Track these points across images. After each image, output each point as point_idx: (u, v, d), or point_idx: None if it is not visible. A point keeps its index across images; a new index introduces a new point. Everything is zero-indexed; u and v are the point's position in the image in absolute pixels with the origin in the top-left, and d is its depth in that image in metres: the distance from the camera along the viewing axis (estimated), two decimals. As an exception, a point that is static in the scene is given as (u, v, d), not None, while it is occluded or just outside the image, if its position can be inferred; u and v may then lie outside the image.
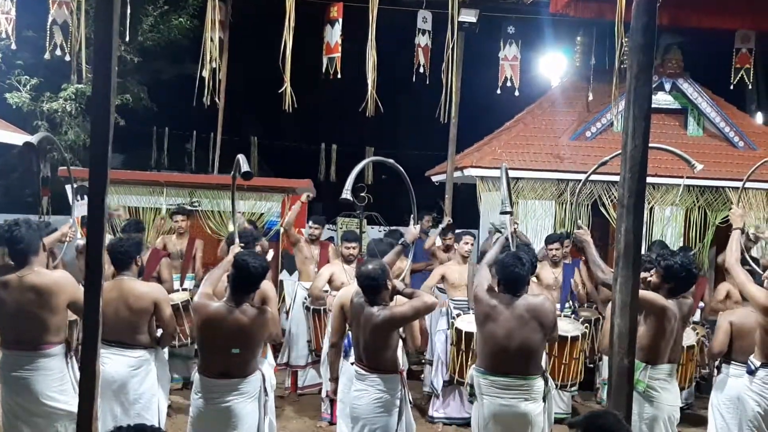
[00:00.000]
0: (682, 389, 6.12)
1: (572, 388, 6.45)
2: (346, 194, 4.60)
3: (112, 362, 4.42)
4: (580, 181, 8.80)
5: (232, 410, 4.00)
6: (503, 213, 4.73)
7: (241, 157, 4.44)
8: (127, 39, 9.84)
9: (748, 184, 8.85)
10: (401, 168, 4.84)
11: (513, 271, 4.20)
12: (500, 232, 4.46)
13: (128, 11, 8.92)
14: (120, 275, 4.59)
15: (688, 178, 8.54)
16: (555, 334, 4.46)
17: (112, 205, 6.65)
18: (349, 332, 4.56)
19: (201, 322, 4.08)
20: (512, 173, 8.85)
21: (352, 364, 4.43)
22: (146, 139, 15.41)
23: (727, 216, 8.89)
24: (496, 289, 4.36)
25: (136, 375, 4.51)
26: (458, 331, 6.08)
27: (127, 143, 14.21)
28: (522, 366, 4.16)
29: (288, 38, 4.76)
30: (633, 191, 3.43)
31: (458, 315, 6.36)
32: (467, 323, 6.07)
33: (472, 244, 6.96)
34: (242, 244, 4.60)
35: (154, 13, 11.98)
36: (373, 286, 4.16)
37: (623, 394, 3.49)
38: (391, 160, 4.87)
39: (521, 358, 4.16)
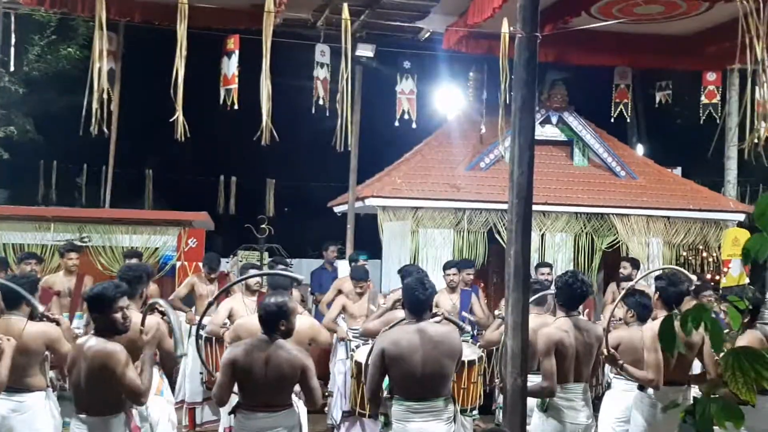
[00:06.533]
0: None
1: (473, 413, 6.56)
2: None
3: None
4: (475, 210, 9.15)
5: None
6: None
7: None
8: (12, 68, 9.41)
9: (630, 212, 9.48)
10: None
11: (415, 295, 4.29)
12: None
13: (13, 40, 8.56)
14: (8, 314, 4.33)
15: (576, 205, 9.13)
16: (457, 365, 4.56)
17: None
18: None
19: None
20: (412, 203, 9.08)
21: (232, 413, 4.28)
22: (33, 173, 14.64)
23: (613, 240, 9.46)
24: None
25: (23, 420, 4.25)
26: (358, 364, 6.07)
27: (12, 178, 13.47)
28: (435, 389, 4.23)
29: (180, 66, 4.69)
30: (520, 216, 3.61)
31: (357, 346, 6.36)
32: (366, 355, 6.06)
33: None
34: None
35: (41, 43, 11.52)
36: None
37: (517, 413, 3.63)
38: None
39: (434, 382, 4.23)
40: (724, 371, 1.51)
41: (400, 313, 5.17)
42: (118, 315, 3.82)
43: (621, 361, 4.74)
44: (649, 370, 4.61)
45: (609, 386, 5.28)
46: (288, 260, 8.88)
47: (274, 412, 4.05)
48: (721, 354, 1.65)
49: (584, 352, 4.52)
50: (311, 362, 4.15)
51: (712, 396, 1.56)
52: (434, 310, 7.03)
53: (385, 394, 4.56)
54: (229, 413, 4.19)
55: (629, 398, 4.94)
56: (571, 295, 4.53)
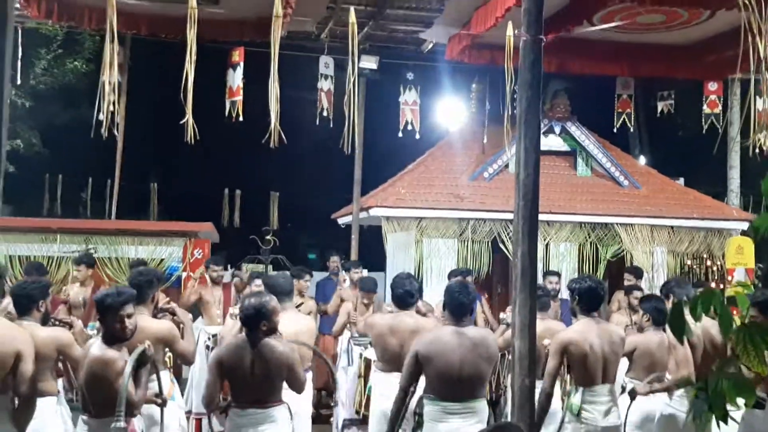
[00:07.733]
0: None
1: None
2: None
3: None
4: (479, 219, 9.19)
5: None
6: None
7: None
8: (18, 82, 9.50)
9: (635, 221, 9.49)
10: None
11: (458, 298, 4.34)
12: None
13: (20, 53, 8.63)
14: (20, 320, 4.34)
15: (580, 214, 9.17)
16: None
17: None
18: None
19: None
20: (416, 213, 9.12)
21: (224, 413, 4.28)
22: (38, 187, 14.69)
23: (617, 249, 9.46)
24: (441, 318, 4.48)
25: (34, 425, 4.24)
26: (367, 360, 6.06)
27: (18, 192, 13.50)
28: (471, 390, 4.26)
29: (190, 70, 4.73)
30: (527, 218, 3.62)
31: (360, 354, 6.35)
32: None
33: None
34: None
35: (47, 56, 11.62)
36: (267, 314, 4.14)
37: (525, 414, 3.61)
38: None
39: (471, 384, 4.26)
40: (735, 345, 1.53)
41: (378, 318, 5.31)
42: (119, 324, 3.84)
43: (645, 390, 4.83)
44: (680, 367, 4.65)
45: (623, 390, 5.26)
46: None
47: (264, 408, 4.09)
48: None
49: (610, 353, 4.53)
50: (297, 356, 4.19)
51: (723, 372, 1.59)
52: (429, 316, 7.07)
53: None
54: (221, 412, 4.22)
55: (646, 404, 4.92)
56: (595, 297, 4.62)
